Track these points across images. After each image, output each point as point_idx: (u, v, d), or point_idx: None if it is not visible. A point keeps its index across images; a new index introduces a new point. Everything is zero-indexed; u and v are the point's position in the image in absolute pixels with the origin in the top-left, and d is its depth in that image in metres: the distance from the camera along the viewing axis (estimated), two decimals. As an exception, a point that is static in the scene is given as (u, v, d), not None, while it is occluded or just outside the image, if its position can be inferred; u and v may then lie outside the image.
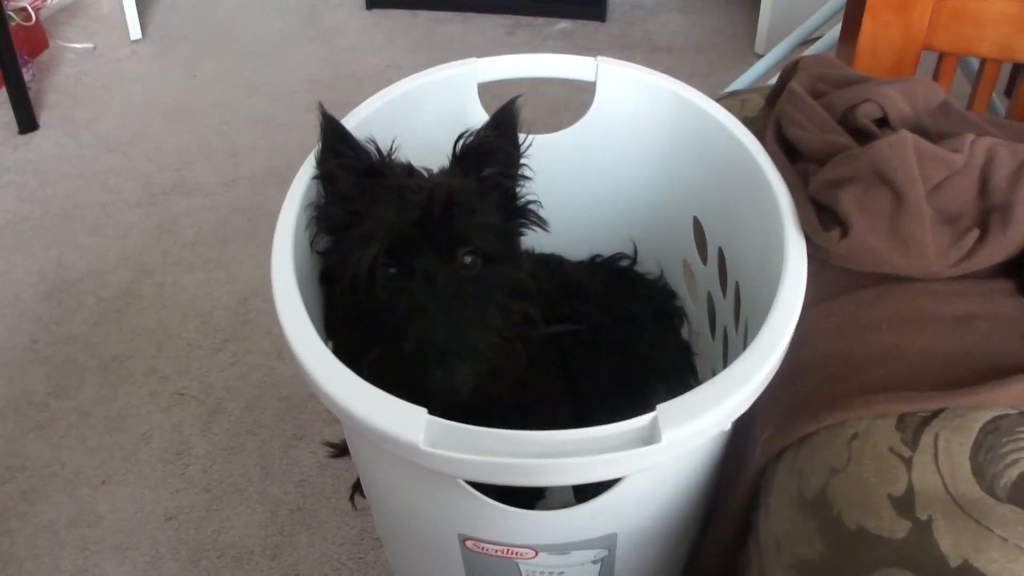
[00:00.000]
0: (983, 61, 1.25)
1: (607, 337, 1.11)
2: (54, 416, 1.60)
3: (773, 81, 1.16)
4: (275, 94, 2.45)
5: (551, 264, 1.18)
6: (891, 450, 0.74)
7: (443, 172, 0.96)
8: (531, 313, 0.91)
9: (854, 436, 0.77)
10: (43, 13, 2.76)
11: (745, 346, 0.97)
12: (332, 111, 0.94)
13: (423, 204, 0.86)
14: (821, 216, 0.87)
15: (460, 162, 0.95)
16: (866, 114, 0.96)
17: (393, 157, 0.96)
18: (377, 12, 2.93)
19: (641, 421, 0.70)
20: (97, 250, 1.97)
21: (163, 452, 1.53)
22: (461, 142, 0.95)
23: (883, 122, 0.97)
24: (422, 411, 0.71)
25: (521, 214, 0.98)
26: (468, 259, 0.88)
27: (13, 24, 2.51)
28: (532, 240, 1.02)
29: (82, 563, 1.37)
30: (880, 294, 0.88)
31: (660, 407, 0.70)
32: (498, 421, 0.93)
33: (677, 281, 1.24)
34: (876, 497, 0.72)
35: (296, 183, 0.93)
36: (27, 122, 2.39)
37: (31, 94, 2.43)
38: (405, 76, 1.12)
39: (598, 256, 1.24)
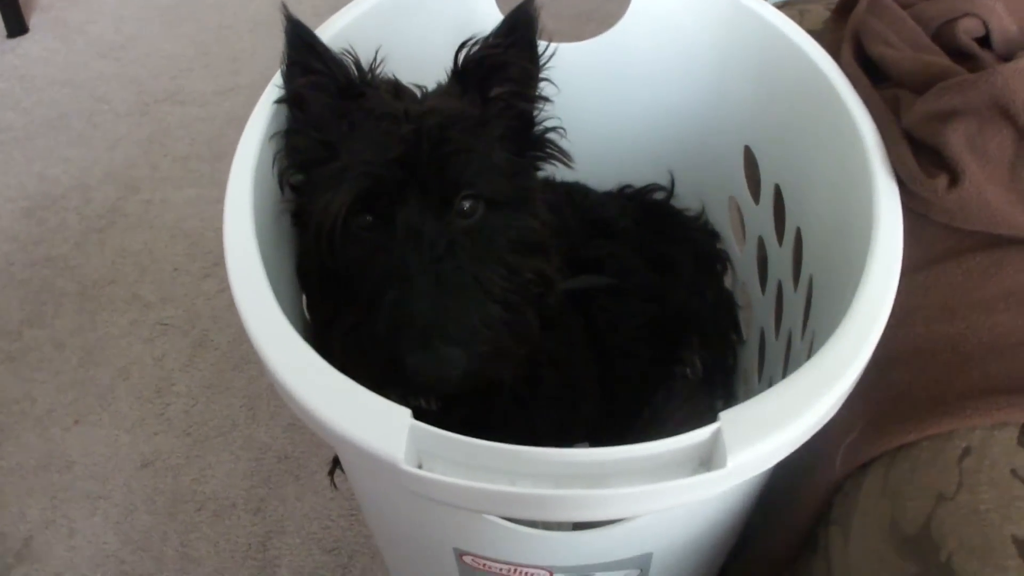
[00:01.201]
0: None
1: (637, 283, 0.94)
2: (27, 346, 1.47)
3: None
4: (281, -4, 2.26)
5: (574, 196, 1.00)
6: (1014, 473, 0.57)
7: (439, 92, 0.77)
8: (546, 271, 0.73)
9: (966, 451, 0.60)
10: (36, -97, 2.55)
11: (809, 307, 0.80)
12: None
13: (408, 138, 0.68)
14: (920, 158, 0.68)
15: (461, 79, 0.76)
16: (966, 31, 0.77)
17: (378, 73, 0.78)
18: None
19: (698, 436, 0.52)
20: (82, 163, 1.82)
21: (142, 389, 1.40)
22: (463, 53, 0.76)
23: (982, 41, 0.79)
24: (404, 414, 0.54)
25: (538, 145, 0.79)
26: (466, 205, 0.69)
27: (2, -85, 2.32)
28: (551, 171, 0.84)
29: (50, 512, 1.25)
30: (996, 261, 0.69)
31: (724, 416, 0.52)
32: (504, 401, 0.78)
33: (721, 220, 1.05)
34: (997, 539, 0.55)
35: (259, 108, 0.75)
36: (16, 25, 2.24)
37: None
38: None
39: (628, 187, 1.06)
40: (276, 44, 0.74)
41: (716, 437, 0.52)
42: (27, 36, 2.23)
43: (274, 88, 0.76)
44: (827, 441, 0.65)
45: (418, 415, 0.54)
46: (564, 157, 0.80)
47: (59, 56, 2.15)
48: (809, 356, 0.70)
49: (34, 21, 2.27)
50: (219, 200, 0.70)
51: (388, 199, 0.67)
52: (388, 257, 0.67)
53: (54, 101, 2.00)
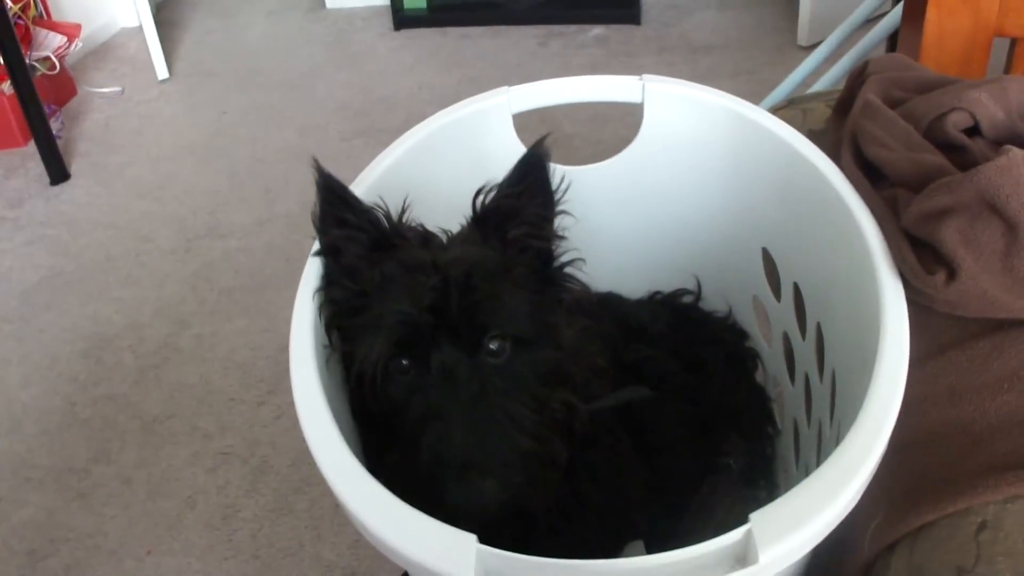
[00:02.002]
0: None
1: (675, 384, 1.01)
2: (95, 483, 1.54)
3: (831, 81, 1.04)
4: (306, 126, 2.39)
5: (609, 303, 1.08)
6: (1028, 542, 0.63)
7: (461, 237, 0.83)
8: (571, 400, 0.79)
9: (982, 526, 0.66)
10: (69, 60, 2.73)
11: (834, 397, 0.87)
12: (365, 139, 0.83)
13: (438, 287, 0.74)
14: (920, 254, 0.75)
15: (479, 225, 0.82)
16: (955, 124, 0.85)
17: (406, 219, 0.84)
18: (405, 32, 2.86)
19: (731, 537, 0.58)
20: (133, 302, 1.92)
21: (209, 517, 1.46)
22: (480, 200, 0.82)
23: (973, 130, 0.86)
24: (470, 539, 0.60)
25: (558, 279, 0.84)
26: (494, 346, 0.75)
27: (38, 74, 2.49)
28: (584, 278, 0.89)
29: (130, 644, 1.31)
30: (998, 345, 0.75)
31: (754, 518, 0.58)
32: (551, 519, 0.84)
33: (748, 320, 1.13)
34: (1018, 611, 0.61)
35: (310, 263, 0.82)
36: (58, 173, 2.36)
37: (61, 143, 2.41)
38: (437, 96, 1.04)
39: (658, 293, 1.13)
40: (307, 172, 0.80)
41: (748, 537, 0.58)
42: (69, 182, 2.35)
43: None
44: (855, 527, 0.71)
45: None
46: (582, 287, 0.86)
47: (101, 200, 2.26)
48: (837, 441, 0.77)
49: (75, 168, 2.40)
50: (267, 329, 0.78)
51: (422, 344, 0.73)
52: (425, 397, 0.73)
53: (100, 244, 2.11)
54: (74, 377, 1.75)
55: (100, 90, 2.76)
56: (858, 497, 0.62)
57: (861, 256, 0.78)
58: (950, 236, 0.73)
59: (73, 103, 2.71)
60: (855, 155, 0.88)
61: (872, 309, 0.73)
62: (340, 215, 0.80)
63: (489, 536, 0.62)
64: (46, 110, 2.35)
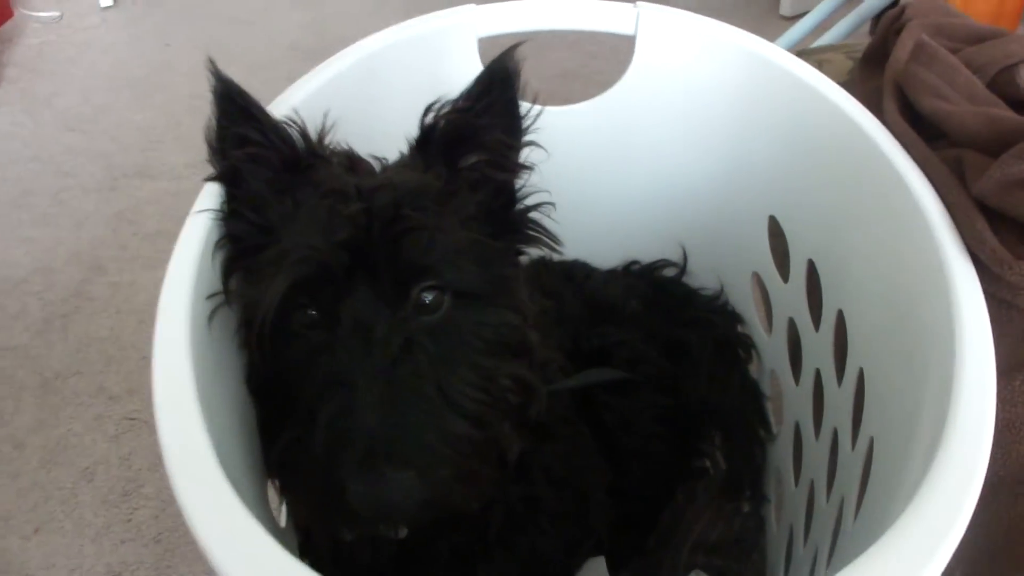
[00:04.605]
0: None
1: (649, 373, 0.84)
2: (-16, 446, 1.35)
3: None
4: (254, 64, 2.21)
5: (574, 276, 0.91)
6: None
7: (398, 164, 0.67)
8: (527, 378, 0.62)
9: None
10: (4, -21, 2.50)
11: (861, 404, 0.70)
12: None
13: (357, 217, 0.58)
14: (1001, 234, 0.59)
15: (422, 149, 0.66)
16: (1029, 77, 0.69)
17: (328, 142, 0.68)
18: (372, -30, 2.65)
19: None
20: (46, 243, 1.72)
21: (108, 492, 1.28)
22: (429, 117, 0.65)
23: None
24: None
25: (519, 226, 0.68)
26: (428, 298, 0.58)
27: (-34, -9, 2.26)
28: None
29: (4, 636, 1.13)
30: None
31: None
32: (498, 525, 0.67)
33: (743, 301, 0.95)
34: None
35: (204, 193, 0.65)
36: (-20, 99, 2.14)
37: None
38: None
39: (634, 263, 0.96)
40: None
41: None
42: (-8, 110, 2.14)
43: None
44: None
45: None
46: (550, 240, 0.69)
47: (25, 130, 2.07)
48: (867, 467, 0.60)
49: (0, 94, 2.19)
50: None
51: (334, 290, 0.57)
52: (331, 360, 0.56)
53: (18, 178, 1.91)
54: (-28, 324, 1.56)
55: (37, 14, 2.54)
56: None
57: (914, 231, 0.61)
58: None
59: (7, 26, 2.48)
60: (902, 108, 0.71)
61: (929, 301, 0.56)
62: (242, 132, 0.64)
63: (418, 546, 0.50)
64: (-27, 31, 2.13)
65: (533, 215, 0.68)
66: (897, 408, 0.58)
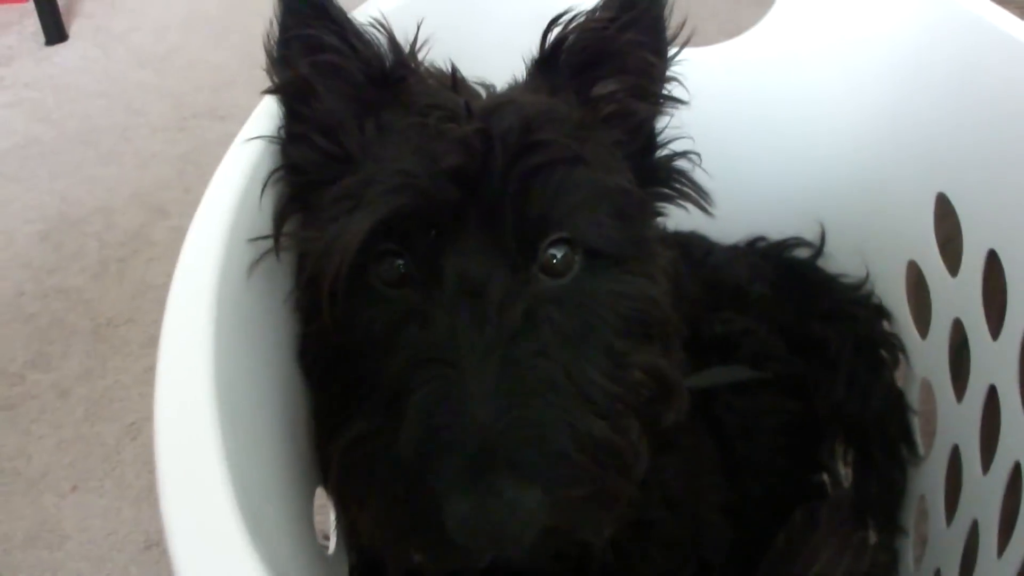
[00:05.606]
0: None
1: (777, 371, 0.70)
2: (28, 392, 1.29)
3: None
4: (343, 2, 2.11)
5: (692, 251, 0.76)
6: None
7: (516, 87, 0.54)
8: (664, 371, 0.48)
9: None
10: (83, -94, 2.44)
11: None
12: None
13: (470, 139, 0.44)
14: None
15: (547, 70, 0.53)
16: None
17: (422, 59, 0.54)
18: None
19: None
20: (109, 183, 1.66)
21: (151, 453, 1.19)
22: (555, 32, 0.52)
23: None
24: None
25: (662, 177, 0.55)
26: (557, 255, 0.45)
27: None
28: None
29: (33, 598, 1.05)
30: None
31: None
32: (607, 557, 0.54)
33: (893, 293, 0.80)
34: None
35: (259, 110, 0.53)
36: (54, 32, 2.11)
37: (63, 2, 2.16)
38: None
39: (761, 239, 0.82)
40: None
41: None
42: (66, 44, 2.11)
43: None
44: None
45: None
46: (700, 197, 0.56)
47: (96, 65, 2.03)
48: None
49: (74, 29, 2.16)
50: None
51: (435, 235, 0.44)
52: (427, 330, 0.43)
53: (86, 114, 1.85)
54: (28, 263, 1.49)
55: (117, -51, 2.48)
56: None
57: None
58: None
59: (84, -42, 2.44)
60: None
61: None
62: (315, 35, 0.50)
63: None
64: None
65: (679, 164, 0.55)
66: None
